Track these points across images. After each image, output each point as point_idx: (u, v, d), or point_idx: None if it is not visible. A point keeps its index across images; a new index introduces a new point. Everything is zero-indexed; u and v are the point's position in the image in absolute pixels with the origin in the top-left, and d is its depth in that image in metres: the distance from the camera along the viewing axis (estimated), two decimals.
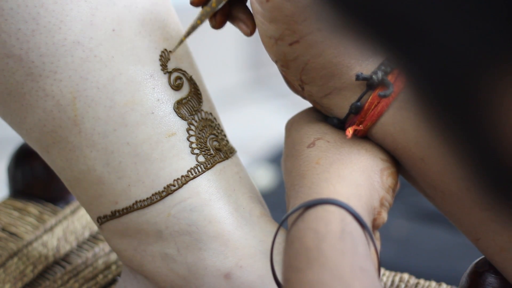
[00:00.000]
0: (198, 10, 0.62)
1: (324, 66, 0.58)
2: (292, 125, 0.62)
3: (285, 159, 0.61)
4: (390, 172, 0.58)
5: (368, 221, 0.54)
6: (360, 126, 0.59)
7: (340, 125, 0.60)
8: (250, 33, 0.61)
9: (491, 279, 0.60)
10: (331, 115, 0.61)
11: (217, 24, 0.62)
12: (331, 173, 0.55)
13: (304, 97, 0.61)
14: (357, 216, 0.52)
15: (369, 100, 0.58)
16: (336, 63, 0.58)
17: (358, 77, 0.57)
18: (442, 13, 0.29)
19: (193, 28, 0.62)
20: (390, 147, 0.58)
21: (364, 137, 0.60)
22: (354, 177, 0.55)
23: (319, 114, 0.62)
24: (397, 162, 0.59)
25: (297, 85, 0.60)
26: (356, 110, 0.58)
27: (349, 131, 0.58)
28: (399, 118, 0.57)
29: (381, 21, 0.31)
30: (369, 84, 0.57)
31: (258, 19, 0.58)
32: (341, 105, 0.59)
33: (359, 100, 0.58)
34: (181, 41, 0.62)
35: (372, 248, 0.54)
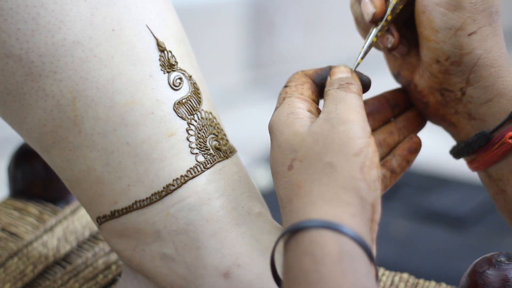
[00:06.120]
0: (198, 11, 0.62)
1: (492, 64, 0.60)
2: (272, 134, 0.59)
3: (273, 173, 0.58)
4: (369, 159, 0.54)
5: (367, 235, 0.52)
6: None
7: (485, 139, 0.62)
8: (374, 14, 0.61)
9: (491, 279, 0.60)
10: (476, 131, 0.62)
11: (396, 38, 0.62)
12: (315, 196, 0.53)
13: (452, 111, 0.62)
14: (352, 236, 0.50)
15: None
16: (500, 65, 0.60)
17: None
18: None
19: (370, 46, 0.63)
20: None
21: (331, 142, 0.55)
22: (341, 197, 0.53)
23: (291, 114, 0.59)
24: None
25: (458, 90, 0.61)
26: None
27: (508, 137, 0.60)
28: None
29: None
30: None
31: (438, 11, 0.59)
32: (497, 115, 0.61)
33: None
34: (358, 64, 0.63)
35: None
